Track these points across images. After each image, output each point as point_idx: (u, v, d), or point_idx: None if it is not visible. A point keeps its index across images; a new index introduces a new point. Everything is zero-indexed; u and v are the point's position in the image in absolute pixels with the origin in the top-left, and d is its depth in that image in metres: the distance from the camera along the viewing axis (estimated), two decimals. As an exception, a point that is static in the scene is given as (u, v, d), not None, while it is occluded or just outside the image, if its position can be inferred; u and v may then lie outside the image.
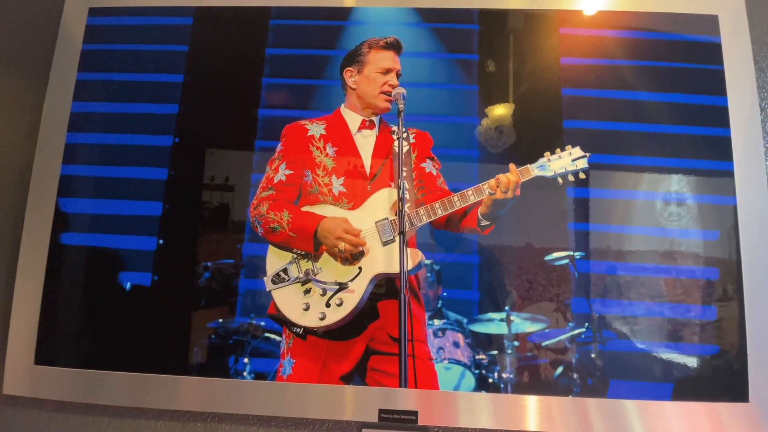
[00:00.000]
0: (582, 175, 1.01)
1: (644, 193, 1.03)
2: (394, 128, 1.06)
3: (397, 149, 1.04)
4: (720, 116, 1.03)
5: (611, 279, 0.99)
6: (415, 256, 0.99)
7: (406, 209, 1.01)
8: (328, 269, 1.01)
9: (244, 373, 1.00)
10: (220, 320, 1.02)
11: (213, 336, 1.01)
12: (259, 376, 0.99)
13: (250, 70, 1.13)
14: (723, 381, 0.94)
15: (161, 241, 1.06)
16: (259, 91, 1.12)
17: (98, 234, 1.08)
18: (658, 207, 1.02)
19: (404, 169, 1.04)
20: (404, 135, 1.05)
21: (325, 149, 1.07)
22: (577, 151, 1.01)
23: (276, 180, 1.06)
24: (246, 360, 1.00)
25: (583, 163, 1.01)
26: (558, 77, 1.07)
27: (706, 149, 1.03)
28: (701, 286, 0.98)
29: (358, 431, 0.98)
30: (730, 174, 1.01)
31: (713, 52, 1.06)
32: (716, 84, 1.05)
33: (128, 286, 1.05)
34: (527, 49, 1.09)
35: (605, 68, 1.08)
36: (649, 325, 0.98)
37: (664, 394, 0.94)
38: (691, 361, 0.95)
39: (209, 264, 1.05)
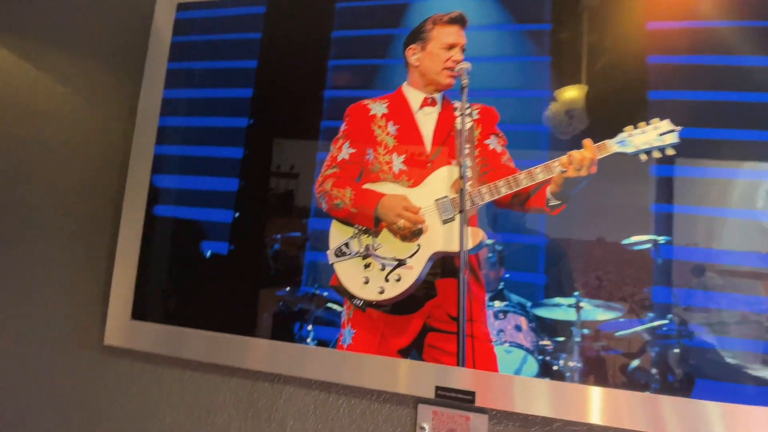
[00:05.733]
0: (670, 152, 0.80)
1: (744, 172, 0.80)
2: (457, 104, 0.92)
3: (459, 126, 0.90)
4: None
5: (700, 267, 0.78)
6: (476, 236, 0.86)
7: (468, 187, 0.87)
8: (388, 245, 0.91)
9: (308, 340, 0.93)
10: (288, 288, 0.96)
11: (281, 303, 0.96)
12: (321, 343, 0.92)
13: (317, 53, 1.04)
14: None
15: (237, 214, 1.02)
16: (325, 73, 1.03)
17: (184, 207, 1.06)
18: (760, 188, 0.78)
19: (466, 146, 0.89)
20: (467, 111, 0.90)
21: (386, 128, 0.95)
22: (666, 125, 0.80)
23: (339, 158, 0.97)
24: (309, 327, 0.93)
25: (671, 138, 0.80)
26: (643, 44, 0.86)
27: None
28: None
29: (413, 406, 0.88)
30: None
31: None
32: None
33: (208, 254, 1.02)
34: (607, 15, 0.88)
35: (701, 31, 0.84)
36: (743, 320, 0.76)
37: (760, 398, 0.73)
38: (803, 366, 0.73)
39: (278, 236, 0.98)
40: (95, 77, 1.25)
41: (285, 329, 0.95)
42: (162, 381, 1.02)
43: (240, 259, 1.01)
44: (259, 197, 1.03)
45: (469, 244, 0.85)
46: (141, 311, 1.03)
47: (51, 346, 1.14)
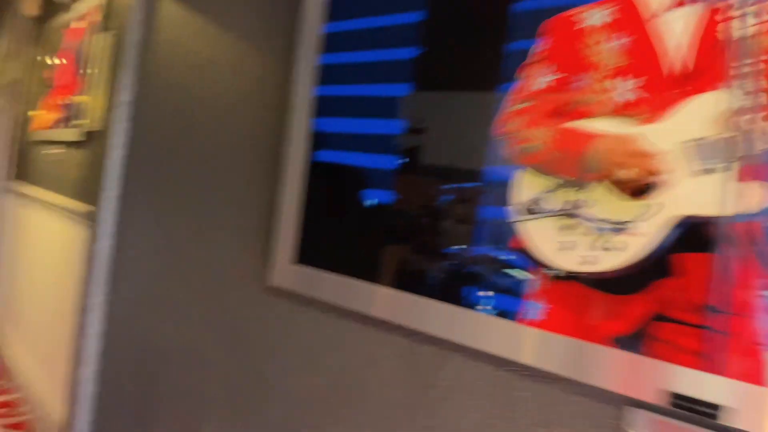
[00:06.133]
0: None
1: None
2: (730, 1, 0.61)
3: (733, 33, 0.60)
4: None
5: None
6: (756, 195, 0.58)
7: (746, 124, 0.58)
8: (602, 203, 0.69)
9: (479, 306, 0.79)
10: (458, 246, 0.82)
11: (449, 262, 0.83)
12: (499, 313, 0.77)
13: (505, -45, 0.81)
14: None
15: (402, 161, 0.90)
16: (515, -19, 0.80)
17: (345, 151, 0.98)
18: None
19: (745, 62, 0.60)
20: (749, 10, 0.60)
21: (608, 42, 0.70)
22: None
23: (533, 89, 0.76)
24: (489, 293, 0.79)
25: None
26: None
27: None
28: None
29: (619, 406, 0.68)
30: None
31: None
32: None
33: (372, 202, 0.93)
34: None
35: None
36: None
37: None
38: None
39: (449, 187, 0.84)
40: (254, 21, 1.23)
41: (453, 291, 0.83)
42: (322, 327, 1.01)
43: (406, 210, 0.90)
44: (429, 141, 0.88)
45: (745, 207, 0.59)
46: (302, 256, 1.02)
47: (222, 285, 1.23)
